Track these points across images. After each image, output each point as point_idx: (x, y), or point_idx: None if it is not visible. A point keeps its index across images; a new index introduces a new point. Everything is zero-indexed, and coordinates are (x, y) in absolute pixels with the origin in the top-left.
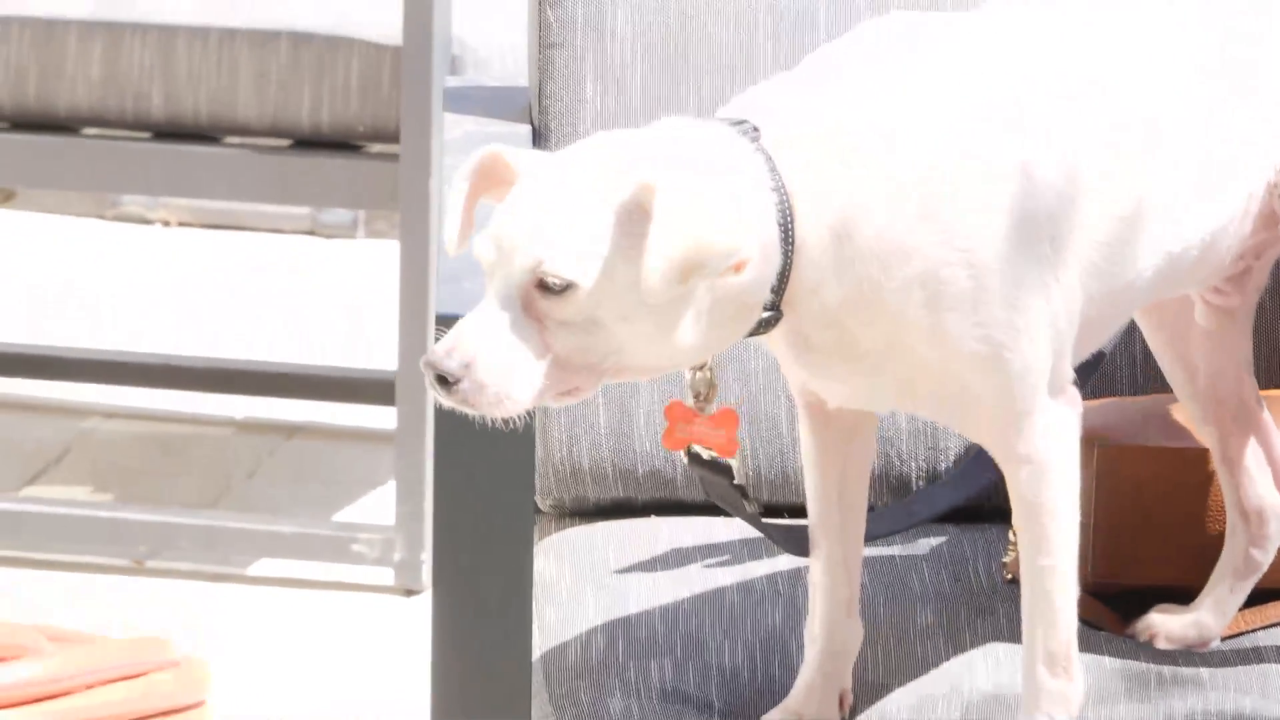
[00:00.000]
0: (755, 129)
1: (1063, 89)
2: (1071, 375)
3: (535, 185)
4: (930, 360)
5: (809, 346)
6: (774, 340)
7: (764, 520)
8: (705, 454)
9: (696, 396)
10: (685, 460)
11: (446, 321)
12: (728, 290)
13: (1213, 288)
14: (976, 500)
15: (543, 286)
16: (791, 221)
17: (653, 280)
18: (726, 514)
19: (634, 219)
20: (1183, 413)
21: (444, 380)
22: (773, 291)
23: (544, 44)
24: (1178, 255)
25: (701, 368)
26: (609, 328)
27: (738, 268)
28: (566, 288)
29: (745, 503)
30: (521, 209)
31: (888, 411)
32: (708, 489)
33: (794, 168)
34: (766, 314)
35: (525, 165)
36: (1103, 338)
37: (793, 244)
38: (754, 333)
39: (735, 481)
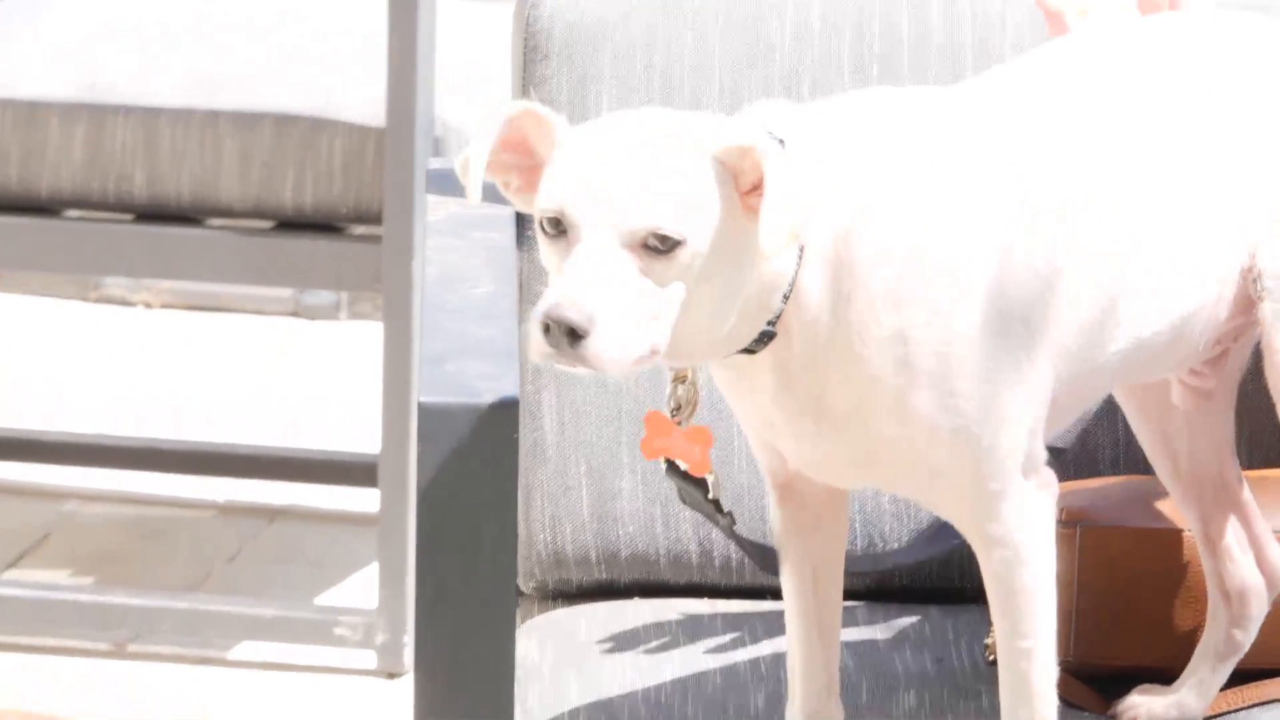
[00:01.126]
0: (781, 140)
1: (1048, 171)
2: (1045, 456)
3: (605, 139)
4: (894, 434)
5: (789, 385)
6: (759, 374)
7: (738, 535)
8: (682, 465)
9: (676, 410)
10: (665, 470)
11: (429, 407)
12: (762, 279)
13: (1189, 370)
14: (946, 556)
15: (646, 245)
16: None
17: (771, 240)
18: (710, 595)
19: (720, 177)
20: (1165, 493)
21: (572, 333)
22: (783, 298)
23: None
24: (1147, 341)
25: (683, 380)
26: (693, 288)
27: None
28: (675, 246)
29: (719, 516)
30: (607, 161)
31: (851, 487)
32: (684, 497)
33: None
34: (767, 326)
35: (566, 126)
36: (1067, 420)
37: (800, 256)
38: (750, 348)
39: (710, 496)
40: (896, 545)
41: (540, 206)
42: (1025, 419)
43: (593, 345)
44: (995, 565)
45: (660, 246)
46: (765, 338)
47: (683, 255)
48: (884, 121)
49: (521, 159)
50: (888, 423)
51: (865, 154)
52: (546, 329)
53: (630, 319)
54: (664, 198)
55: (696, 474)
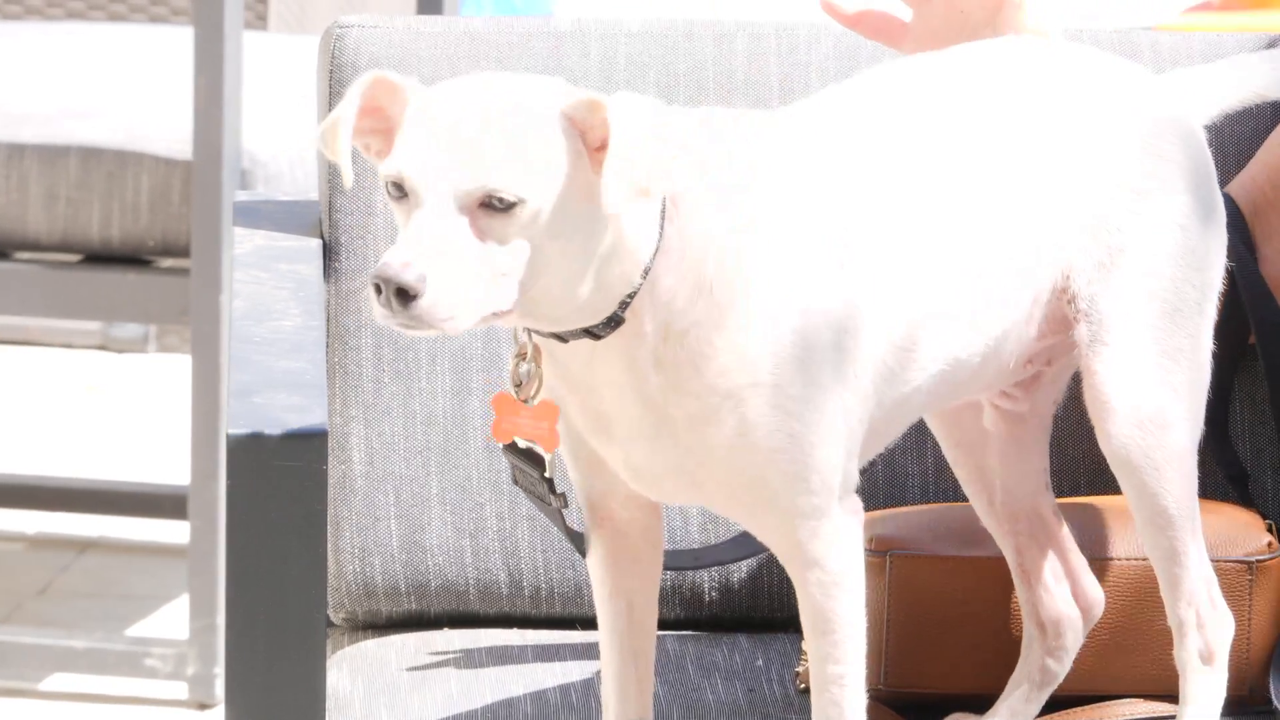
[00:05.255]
0: None
1: (855, 198)
2: (857, 481)
3: (450, 101)
4: (730, 443)
5: (638, 375)
6: (607, 367)
7: (567, 525)
8: (523, 444)
9: (518, 387)
10: (502, 448)
11: (237, 439)
12: (624, 247)
13: (1001, 392)
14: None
15: (486, 204)
16: (664, 220)
17: (612, 195)
18: (519, 626)
19: (567, 134)
20: (978, 521)
21: (402, 294)
22: (642, 276)
23: None
24: (963, 361)
25: (524, 357)
26: (540, 245)
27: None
28: (513, 205)
29: (552, 497)
30: (448, 124)
31: (674, 502)
32: (518, 478)
33: None
34: (624, 301)
35: (415, 85)
36: (881, 446)
37: (661, 240)
38: (596, 332)
39: (546, 474)
40: (706, 575)
41: (383, 171)
42: (845, 435)
43: (423, 304)
44: (812, 589)
45: (498, 205)
46: (614, 322)
47: (523, 214)
48: (740, 125)
49: (379, 124)
50: (729, 428)
51: (723, 149)
52: (379, 290)
53: (467, 278)
54: (499, 158)
55: (548, 449)
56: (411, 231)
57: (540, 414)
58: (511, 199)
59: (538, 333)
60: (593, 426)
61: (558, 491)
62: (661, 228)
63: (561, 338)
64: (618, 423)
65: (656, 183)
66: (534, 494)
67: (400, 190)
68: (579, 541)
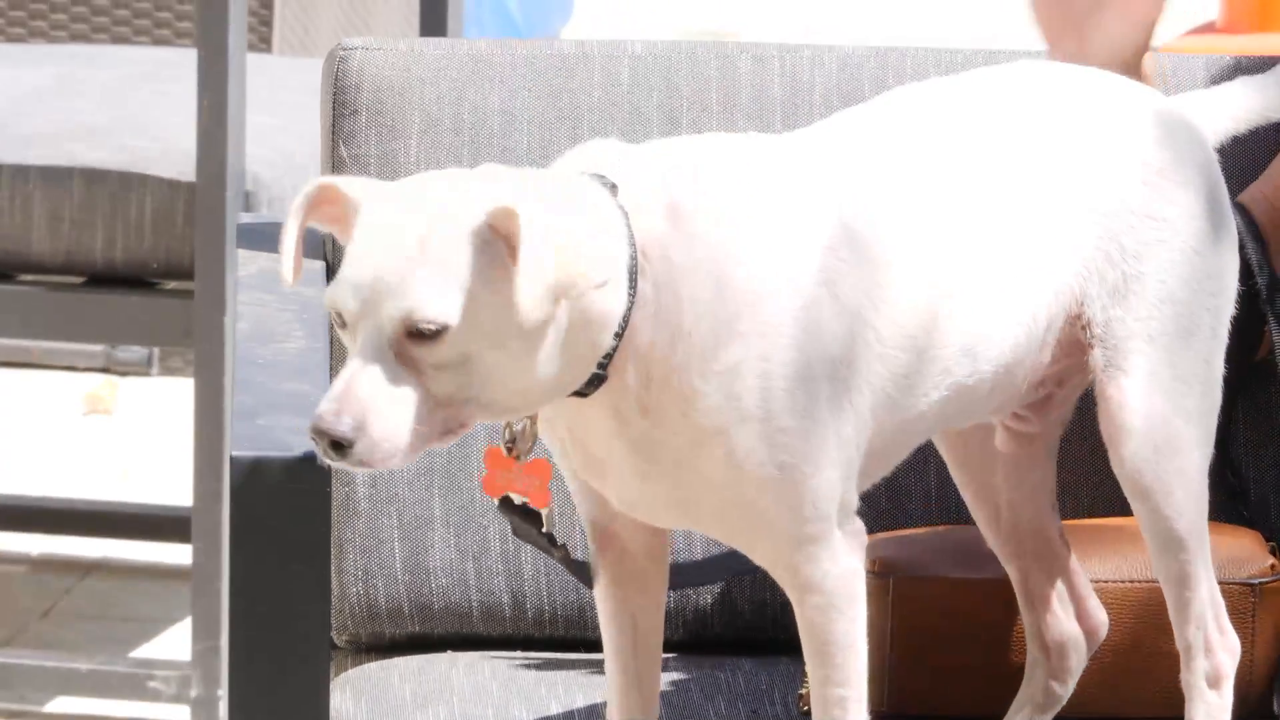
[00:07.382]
0: (614, 185)
1: (860, 222)
2: (856, 505)
3: (384, 223)
4: (723, 475)
5: (623, 428)
6: (594, 417)
7: (575, 563)
8: (517, 500)
9: (511, 445)
10: (497, 506)
11: (241, 461)
12: (585, 317)
13: (1012, 414)
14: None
15: (413, 334)
16: (637, 276)
17: (528, 303)
18: (523, 647)
19: (492, 246)
20: (982, 542)
21: (337, 444)
22: (615, 336)
23: None
24: (969, 388)
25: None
26: (480, 358)
27: (600, 285)
28: (439, 331)
29: (553, 548)
30: (378, 252)
31: (670, 527)
32: (517, 530)
33: (645, 230)
34: (602, 361)
35: (363, 195)
36: (887, 468)
37: (634, 296)
38: (581, 391)
39: (544, 530)
40: (709, 597)
41: (325, 303)
42: (842, 463)
43: (359, 451)
44: (810, 613)
45: (426, 334)
46: (596, 380)
47: (453, 337)
48: (716, 160)
49: (340, 210)
50: (718, 461)
51: (692, 190)
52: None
53: (403, 416)
54: (420, 289)
55: (537, 506)
56: (344, 376)
57: (532, 471)
58: (435, 327)
59: None
60: (585, 467)
61: (559, 544)
62: (634, 284)
63: None
64: (609, 464)
65: (570, 286)
66: (536, 545)
67: (341, 319)
68: (585, 573)
